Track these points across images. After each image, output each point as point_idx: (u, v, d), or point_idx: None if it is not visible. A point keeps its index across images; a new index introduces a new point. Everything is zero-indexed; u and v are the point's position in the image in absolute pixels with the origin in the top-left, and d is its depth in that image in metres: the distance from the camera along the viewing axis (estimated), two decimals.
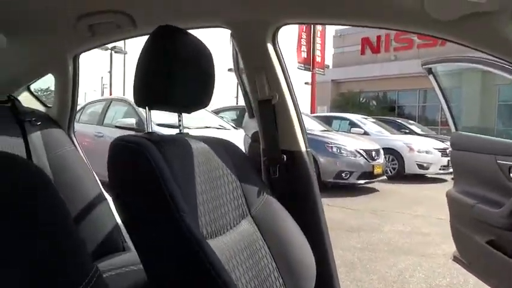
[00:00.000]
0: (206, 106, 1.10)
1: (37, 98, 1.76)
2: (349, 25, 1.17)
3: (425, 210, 5.26)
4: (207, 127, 5.60)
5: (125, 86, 23.04)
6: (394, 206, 5.51)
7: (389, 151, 7.99)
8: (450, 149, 6.95)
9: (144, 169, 0.81)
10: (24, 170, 0.51)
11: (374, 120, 10.00)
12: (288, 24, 1.21)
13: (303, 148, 1.31)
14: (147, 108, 1.01)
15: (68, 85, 1.60)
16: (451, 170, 8.22)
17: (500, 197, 1.63)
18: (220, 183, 1.06)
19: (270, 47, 1.23)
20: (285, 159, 1.28)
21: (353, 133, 8.39)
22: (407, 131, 10.33)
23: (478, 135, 1.94)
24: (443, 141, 9.11)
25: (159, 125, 5.11)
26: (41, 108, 1.74)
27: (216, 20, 1.25)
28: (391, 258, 3.37)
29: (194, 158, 0.99)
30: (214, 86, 1.10)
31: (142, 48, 0.98)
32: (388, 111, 18.67)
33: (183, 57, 0.97)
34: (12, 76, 1.63)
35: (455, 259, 2.08)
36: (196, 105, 1.07)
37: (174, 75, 0.95)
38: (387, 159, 7.69)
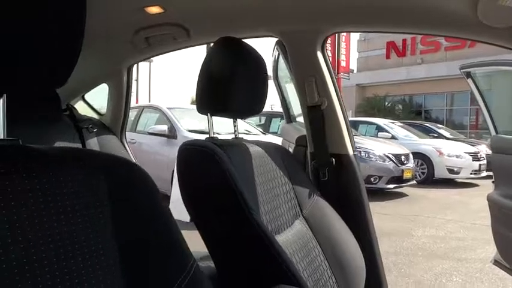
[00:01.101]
0: (260, 112, 1.16)
1: (91, 106, 1.87)
2: (399, 32, 1.22)
3: (458, 215, 5.17)
4: (228, 134, 5.67)
5: (150, 94, 23.52)
6: (425, 210, 5.43)
7: (418, 155, 7.88)
8: (483, 153, 6.79)
9: (216, 171, 0.88)
10: (137, 170, 0.58)
11: (401, 124, 9.88)
12: (338, 32, 1.27)
13: (351, 152, 1.36)
14: (209, 114, 1.08)
15: (122, 94, 1.71)
16: (482, 174, 8.06)
17: None
18: (275, 185, 1.12)
19: (319, 54, 1.29)
20: (334, 162, 1.33)
21: (380, 137, 8.32)
22: (436, 135, 10.15)
23: None
24: (473, 145, 8.91)
25: (190, 131, 5.26)
26: (95, 116, 1.85)
27: (267, 30, 1.32)
28: (426, 262, 3.34)
29: (253, 161, 1.06)
30: (267, 92, 1.17)
31: (205, 58, 1.06)
32: (415, 115, 18.34)
33: (243, 66, 1.04)
34: (71, 86, 1.75)
35: (496, 263, 2.07)
36: (252, 111, 1.14)
37: (234, 84, 1.02)
38: (416, 163, 7.58)
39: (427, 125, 11.33)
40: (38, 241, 0.44)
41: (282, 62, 1.75)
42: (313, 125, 1.35)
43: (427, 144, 8.37)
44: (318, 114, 1.33)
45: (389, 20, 1.16)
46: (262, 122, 7.98)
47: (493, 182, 2.09)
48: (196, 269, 0.59)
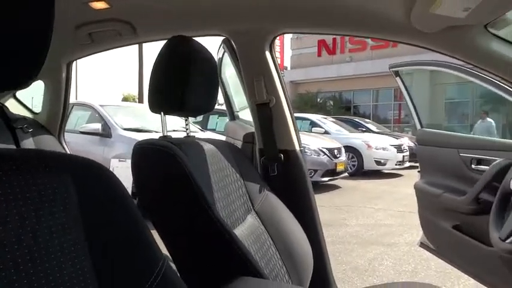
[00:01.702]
0: (212, 109, 1.18)
1: (24, 104, 1.74)
2: (341, 35, 1.30)
3: (386, 204, 5.57)
4: (174, 130, 5.58)
5: (77, 91, 22.22)
6: (357, 201, 5.79)
7: (349, 149, 8.33)
8: (406, 145, 7.35)
9: (175, 169, 0.88)
10: (104, 172, 0.58)
11: (333, 119, 10.37)
12: (286, 33, 1.32)
13: (298, 147, 1.42)
14: (162, 113, 1.07)
15: (60, 92, 1.62)
16: (406, 165, 8.74)
17: (463, 186, 1.82)
18: (229, 182, 1.15)
19: (267, 54, 1.34)
20: (282, 158, 1.39)
21: (314, 132, 8.67)
22: (364, 129, 10.80)
23: (441, 131, 2.15)
24: (397, 138, 9.63)
25: (126, 129, 5.06)
26: (28, 114, 1.73)
27: (217, 29, 1.33)
28: (360, 249, 3.57)
29: (207, 159, 1.07)
30: (218, 90, 1.19)
31: (157, 57, 1.05)
32: (344, 110, 19.35)
33: (195, 65, 1.05)
34: None
35: (422, 245, 2.27)
36: (205, 109, 1.15)
37: (187, 82, 1.02)
38: (348, 156, 8.02)
39: (356, 120, 12.02)
40: (12, 245, 0.43)
41: (225, 60, 1.78)
42: (262, 122, 1.39)
43: (357, 138, 8.88)
44: (267, 112, 1.37)
45: (333, 23, 1.23)
46: (200, 119, 7.92)
47: (418, 171, 2.29)
48: (167, 268, 0.59)
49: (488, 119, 9.13)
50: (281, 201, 1.31)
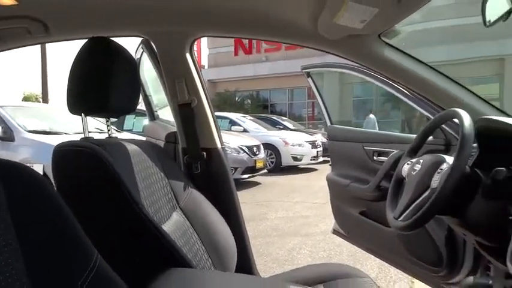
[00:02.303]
0: (134, 110, 1.19)
1: None
2: (256, 39, 1.38)
3: (303, 197, 5.90)
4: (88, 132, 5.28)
5: None
6: (276, 196, 6.04)
7: (268, 146, 8.62)
8: (320, 141, 7.81)
9: (100, 170, 0.88)
10: (34, 175, 0.58)
11: (252, 118, 10.63)
12: (205, 36, 1.37)
13: (219, 145, 1.48)
14: (82, 114, 1.06)
15: None
16: (319, 160, 9.28)
17: (367, 176, 2.04)
18: (153, 181, 1.17)
19: (188, 56, 1.37)
20: (205, 156, 1.44)
21: (233, 131, 8.82)
22: (281, 126, 11.25)
23: (349, 127, 2.37)
24: (312, 135, 10.19)
25: (31, 131, 4.68)
26: None
27: (137, 30, 1.33)
28: (280, 241, 3.76)
29: (131, 159, 1.09)
30: (140, 90, 1.20)
31: (76, 58, 1.03)
32: (262, 109, 19.90)
33: (117, 66, 1.05)
34: None
35: (335, 232, 2.48)
36: (128, 110, 1.16)
37: (109, 83, 1.03)
38: (266, 153, 8.29)
39: (273, 118, 12.46)
40: None
41: (143, 60, 1.77)
42: (184, 122, 1.43)
43: (274, 136, 9.22)
44: (189, 112, 1.41)
45: (247, 29, 1.32)
46: (115, 119, 7.58)
47: (330, 164, 2.49)
48: (100, 263, 0.62)
49: (371, 116, 10.18)
50: (205, 197, 1.37)
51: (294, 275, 1.31)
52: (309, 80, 2.43)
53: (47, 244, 0.55)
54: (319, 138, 10.02)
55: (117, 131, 6.04)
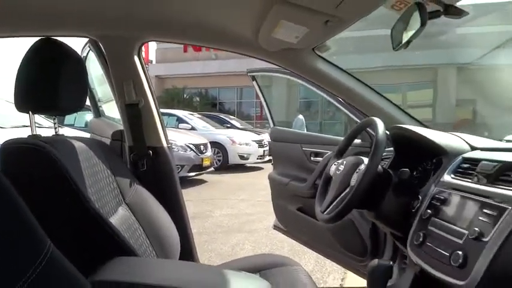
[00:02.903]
0: (83, 107, 1.24)
1: None
2: (201, 46, 1.48)
3: (248, 195, 6.05)
4: (24, 126, 5.05)
5: None
6: (222, 193, 6.14)
7: (215, 144, 8.69)
8: (266, 140, 8.02)
9: (50, 167, 0.93)
10: None
11: (200, 115, 10.63)
12: (152, 40, 1.44)
13: (165, 144, 1.56)
14: (30, 112, 1.10)
15: None
16: (266, 159, 9.49)
17: (305, 175, 2.20)
18: (100, 178, 1.23)
19: (136, 58, 1.44)
20: (151, 154, 1.51)
21: (181, 128, 8.78)
22: (229, 125, 11.35)
23: (289, 129, 2.53)
24: (259, 134, 10.40)
25: None
26: None
27: (85, 31, 1.37)
28: (224, 237, 3.87)
29: (79, 156, 1.14)
30: (87, 88, 1.25)
31: (24, 58, 1.07)
32: (210, 107, 19.85)
33: (65, 65, 1.10)
34: None
35: (276, 227, 2.63)
36: (76, 108, 1.20)
37: (58, 82, 1.08)
38: (213, 152, 8.36)
39: (221, 116, 12.52)
40: None
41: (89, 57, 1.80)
42: (131, 121, 1.48)
43: (222, 134, 9.31)
44: (136, 112, 1.47)
45: (194, 36, 1.41)
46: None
47: (272, 164, 2.64)
48: (53, 254, 0.67)
49: (300, 116, 10.70)
50: (151, 193, 1.44)
51: (233, 265, 1.42)
52: (254, 83, 2.56)
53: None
54: (266, 137, 10.24)
55: (59, 126, 5.82)
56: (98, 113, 2.25)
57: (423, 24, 0.86)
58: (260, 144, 9.47)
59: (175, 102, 18.20)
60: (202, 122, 9.97)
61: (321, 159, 2.12)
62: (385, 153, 1.43)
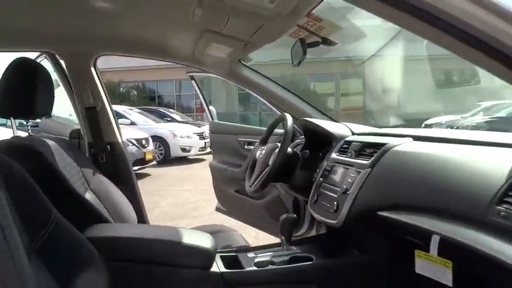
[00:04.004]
0: (51, 111, 1.50)
1: None
2: (149, 58, 1.79)
3: (192, 185, 6.35)
4: None
5: None
6: (166, 185, 6.39)
7: (156, 138, 8.81)
8: (207, 132, 8.29)
9: (36, 159, 1.21)
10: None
11: (139, 110, 10.62)
12: (106, 54, 1.72)
13: (120, 140, 1.86)
14: (12, 118, 1.36)
15: None
16: (207, 150, 9.72)
17: (240, 161, 2.58)
18: (70, 168, 1.51)
19: (92, 70, 1.72)
20: (109, 148, 1.80)
21: (120, 124, 8.76)
22: (169, 119, 11.45)
23: (226, 122, 2.89)
24: (200, 126, 10.63)
25: None
26: None
27: (46, 47, 1.62)
28: (170, 223, 4.16)
29: (53, 151, 1.41)
30: (54, 96, 1.53)
31: (4, 73, 1.33)
32: (149, 100, 19.58)
33: (39, 79, 1.37)
34: None
35: (218, 209, 2.99)
36: (47, 112, 1.46)
37: (33, 92, 1.34)
38: (155, 146, 8.49)
39: (161, 110, 12.56)
40: None
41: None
42: (90, 121, 1.76)
43: (163, 128, 9.44)
44: (94, 114, 1.75)
45: (142, 50, 1.73)
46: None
47: (211, 154, 2.99)
48: (58, 216, 0.98)
49: (211, 107, 11.25)
50: (110, 181, 1.74)
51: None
52: (193, 82, 2.88)
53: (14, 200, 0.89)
54: (207, 130, 10.46)
55: None
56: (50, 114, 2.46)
57: (304, 53, 1.27)
58: (201, 136, 9.71)
59: (111, 97, 17.74)
60: (142, 116, 10.00)
61: (252, 147, 2.51)
62: (300, 140, 1.84)
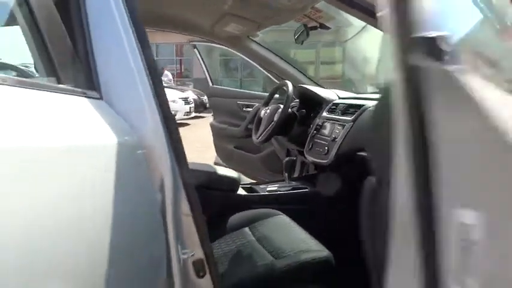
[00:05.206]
0: None
1: None
2: (169, 31, 2.13)
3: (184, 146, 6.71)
4: None
5: None
6: None
7: None
8: (191, 97, 8.64)
9: None
10: None
11: None
12: None
13: None
14: None
15: None
16: (192, 115, 9.98)
17: (239, 121, 2.99)
18: None
19: None
20: None
21: None
22: None
23: (226, 87, 3.28)
24: (183, 91, 10.81)
25: None
26: None
27: None
28: None
29: None
30: None
31: None
32: None
33: None
34: None
35: (216, 164, 3.42)
36: None
37: None
38: None
39: None
40: None
41: None
42: None
43: None
44: None
45: (166, 24, 2.08)
46: None
47: (212, 115, 3.39)
48: None
49: (166, 72, 11.69)
50: None
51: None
52: (195, 51, 3.22)
53: None
54: (191, 95, 10.66)
55: None
56: None
57: (307, 35, 1.68)
58: (186, 101, 9.88)
59: None
60: None
61: (250, 109, 2.92)
62: (295, 103, 2.27)
